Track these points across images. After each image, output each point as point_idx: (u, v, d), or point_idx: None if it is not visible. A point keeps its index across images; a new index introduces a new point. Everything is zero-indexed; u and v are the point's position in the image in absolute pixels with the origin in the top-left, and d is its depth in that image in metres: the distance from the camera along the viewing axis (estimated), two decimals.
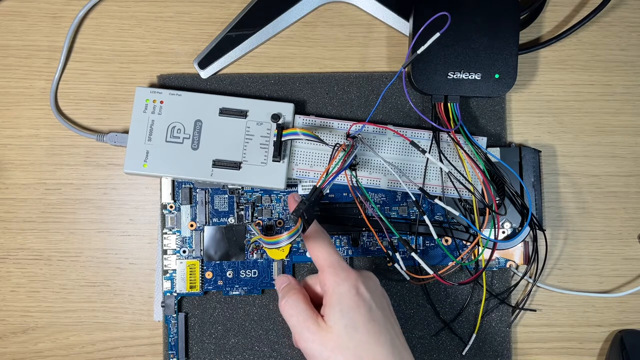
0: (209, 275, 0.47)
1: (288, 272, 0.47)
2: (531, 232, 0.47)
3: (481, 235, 0.45)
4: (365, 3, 0.49)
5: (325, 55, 0.50)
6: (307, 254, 0.41)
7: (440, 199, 0.45)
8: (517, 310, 0.48)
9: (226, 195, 0.48)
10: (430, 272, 0.44)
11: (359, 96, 0.49)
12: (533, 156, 0.47)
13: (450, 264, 0.46)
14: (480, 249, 0.46)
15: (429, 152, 0.46)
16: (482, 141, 0.47)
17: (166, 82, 0.49)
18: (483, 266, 0.45)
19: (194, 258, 0.47)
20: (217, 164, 0.45)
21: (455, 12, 0.44)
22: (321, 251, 0.39)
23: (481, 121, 0.49)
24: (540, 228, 0.47)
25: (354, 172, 0.45)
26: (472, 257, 0.47)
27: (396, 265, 0.46)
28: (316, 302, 0.39)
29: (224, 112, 0.46)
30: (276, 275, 0.47)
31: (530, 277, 0.48)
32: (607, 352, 0.49)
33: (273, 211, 0.48)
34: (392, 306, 0.40)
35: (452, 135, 0.45)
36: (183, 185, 0.47)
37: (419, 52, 0.41)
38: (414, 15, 0.46)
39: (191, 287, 0.47)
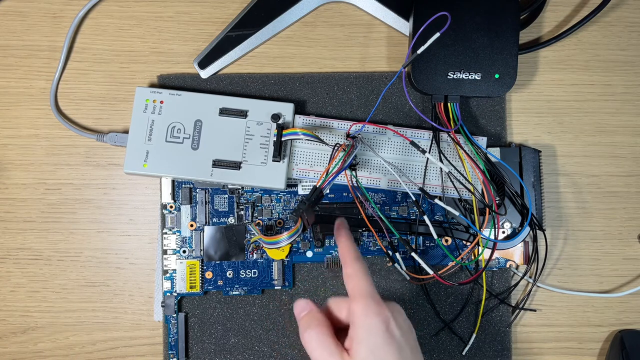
0: (209, 275, 0.47)
1: (288, 271, 0.47)
2: (531, 232, 0.47)
3: (481, 235, 0.45)
4: (365, 3, 0.49)
5: (325, 55, 0.50)
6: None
7: (440, 199, 0.45)
8: (517, 310, 0.48)
9: (226, 195, 0.48)
10: (430, 272, 0.44)
11: (359, 96, 0.49)
12: (533, 156, 0.47)
13: (450, 264, 0.46)
14: (480, 249, 0.46)
15: (429, 152, 0.46)
16: (482, 141, 0.47)
17: (166, 82, 0.48)
18: (483, 266, 0.45)
19: (194, 258, 0.47)
20: (217, 164, 0.45)
21: (455, 12, 0.44)
22: (357, 278, 0.36)
23: (481, 121, 0.49)
24: (540, 228, 0.47)
25: (354, 172, 0.45)
26: (472, 257, 0.47)
27: (396, 265, 0.46)
28: (338, 327, 0.36)
29: (224, 112, 0.46)
30: (276, 276, 0.47)
31: (530, 277, 0.48)
32: (607, 352, 0.49)
33: (273, 211, 0.48)
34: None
35: (452, 135, 0.45)
36: (183, 185, 0.47)
37: (419, 52, 0.41)
38: (414, 15, 0.46)
39: (191, 287, 0.47)
